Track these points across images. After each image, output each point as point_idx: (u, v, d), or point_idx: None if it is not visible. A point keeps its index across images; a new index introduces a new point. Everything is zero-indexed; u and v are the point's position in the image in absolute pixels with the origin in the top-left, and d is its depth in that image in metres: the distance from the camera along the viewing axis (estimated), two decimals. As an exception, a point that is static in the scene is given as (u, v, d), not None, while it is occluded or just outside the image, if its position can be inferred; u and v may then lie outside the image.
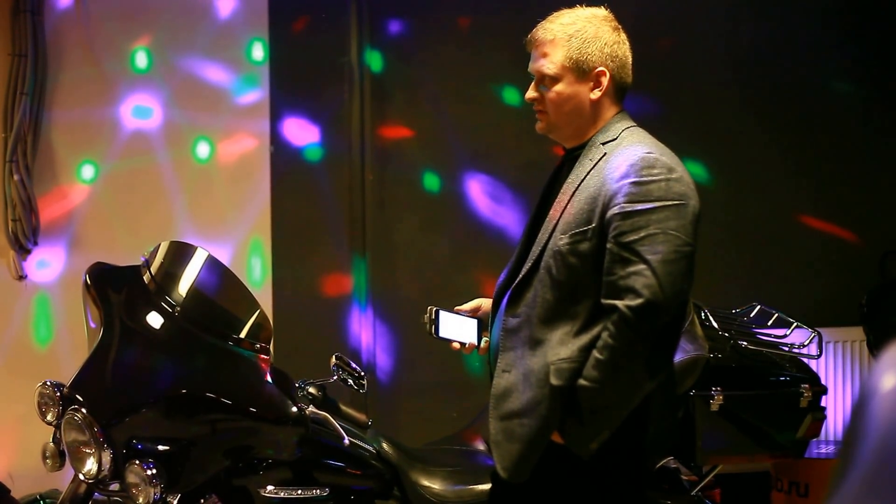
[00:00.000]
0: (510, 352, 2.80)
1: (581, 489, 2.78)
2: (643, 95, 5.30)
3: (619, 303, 2.58)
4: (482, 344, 3.09)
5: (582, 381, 2.63)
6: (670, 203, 2.62)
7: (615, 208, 2.63)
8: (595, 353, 2.62)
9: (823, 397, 3.79)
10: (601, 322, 2.65)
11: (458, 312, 3.11)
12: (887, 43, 5.94)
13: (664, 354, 2.70)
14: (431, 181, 5.55)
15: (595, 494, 2.79)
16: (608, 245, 2.63)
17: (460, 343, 3.08)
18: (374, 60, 5.48)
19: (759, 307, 4.20)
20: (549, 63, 2.80)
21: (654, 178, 2.63)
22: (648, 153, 2.68)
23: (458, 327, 3.08)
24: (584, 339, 2.67)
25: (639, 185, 2.62)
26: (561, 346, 2.69)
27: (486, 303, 3.12)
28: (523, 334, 2.77)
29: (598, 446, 2.67)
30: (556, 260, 2.72)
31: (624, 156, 2.70)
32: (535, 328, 2.74)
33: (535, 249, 2.79)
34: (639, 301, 2.55)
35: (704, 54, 5.76)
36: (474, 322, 3.10)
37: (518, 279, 2.81)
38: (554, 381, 2.67)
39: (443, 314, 3.06)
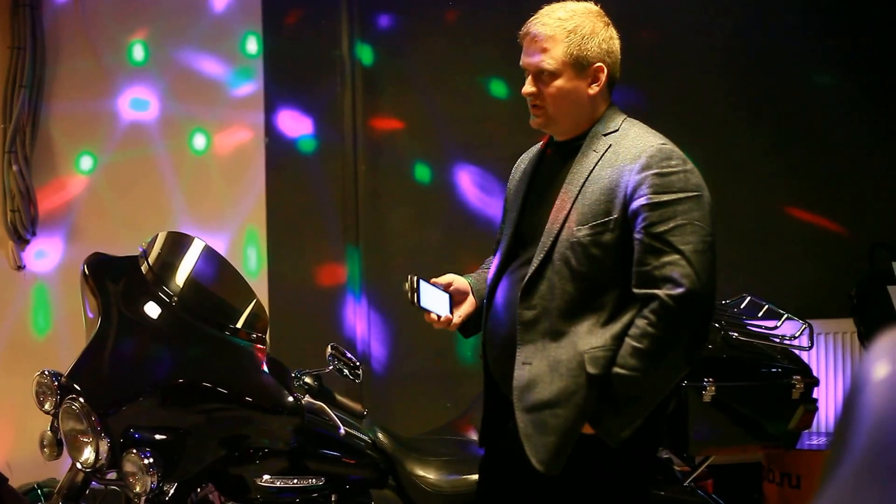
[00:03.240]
0: (529, 345, 2.78)
1: (602, 477, 2.79)
2: (627, 87, 5.32)
3: (659, 292, 2.60)
4: (455, 319, 3.05)
5: (618, 370, 2.64)
6: (691, 194, 2.66)
7: (641, 199, 2.65)
8: (631, 342, 2.63)
9: (815, 389, 3.79)
10: (630, 311, 2.67)
11: (434, 285, 3.08)
12: (872, 35, 5.96)
13: (700, 343, 2.71)
14: (422, 172, 5.57)
15: (614, 481, 2.80)
16: (638, 236, 2.65)
17: (437, 315, 3.03)
18: (365, 54, 5.51)
19: (749, 298, 4.19)
20: (549, 59, 2.80)
21: (673, 169, 2.67)
22: (663, 145, 2.72)
23: (435, 299, 3.04)
24: (616, 327, 2.69)
25: (661, 176, 2.65)
26: (590, 335, 2.70)
27: (457, 280, 3.09)
28: (542, 326, 2.76)
29: (629, 434, 2.69)
30: (576, 251, 2.72)
31: (636, 147, 2.72)
32: (556, 320, 2.74)
33: (546, 240, 2.78)
34: (680, 290, 2.58)
35: (689, 47, 5.77)
36: (447, 296, 3.07)
37: (531, 271, 2.79)
38: (591, 369, 2.67)
39: (423, 284, 3.02)
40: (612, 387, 2.66)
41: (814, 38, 5.91)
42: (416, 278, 3.01)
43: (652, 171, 2.66)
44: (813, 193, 5.92)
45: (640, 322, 2.63)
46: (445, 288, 3.09)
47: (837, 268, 5.75)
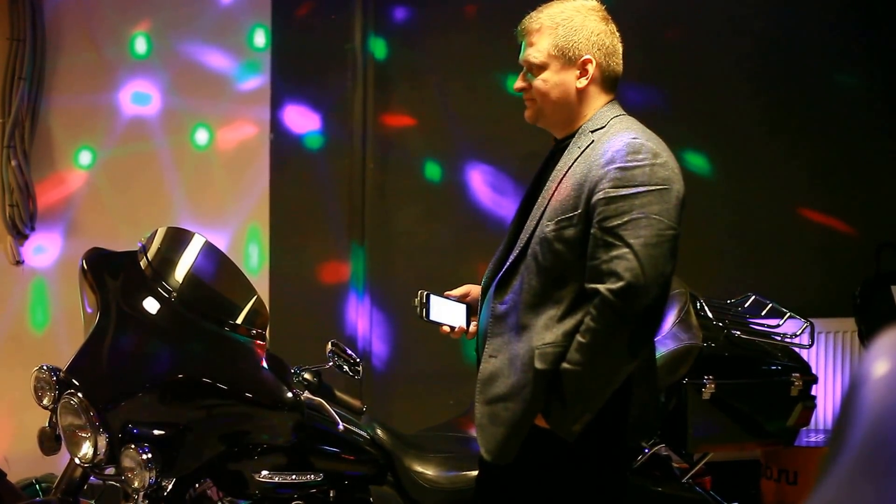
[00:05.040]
0: (497, 338, 2.83)
1: (564, 471, 2.82)
2: (648, 86, 5.33)
3: (600, 286, 2.61)
4: (471, 328, 3.13)
5: (565, 365, 2.67)
6: (653, 188, 2.64)
7: (599, 193, 2.65)
8: (578, 337, 2.65)
9: (814, 386, 3.81)
10: (585, 307, 2.68)
11: (448, 297, 3.16)
12: (891, 37, 5.95)
13: (645, 337, 2.74)
14: (433, 170, 5.55)
15: (577, 476, 2.82)
16: (592, 230, 2.66)
17: (450, 327, 3.13)
18: (378, 48, 5.47)
19: (753, 297, 4.20)
20: (536, 51, 2.84)
21: (638, 163, 2.66)
22: (634, 139, 2.70)
23: (447, 311, 3.13)
24: (569, 323, 2.71)
25: (623, 170, 2.65)
26: (546, 330, 2.72)
27: (475, 289, 3.16)
28: (510, 320, 2.80)
29: (581, 428, 2.71)
30: (543, 246, 2.75)
31: (611, 142, 2.72)
32: (522, 314, 2.77)
33: (523, 236, 2.82)
34: (620, 284, 2.58)
35: (709, 47, 5.76)
36: (463, 307, 3.15)
37: (506, 266, 2.84)
38: (538, 364, 2.70)
39: (433, 298, 3.13)
40: (560, 381, 2.69)
41: (833, 39, 5.89)
42: (425, 293, 3.12)
43: (615, 166, 2.66)
44: (827, 195, 5.91)
45: (586, 318, 2.65)
46: (461, 299, 3.16)
47: (844, 268, 5.75)
